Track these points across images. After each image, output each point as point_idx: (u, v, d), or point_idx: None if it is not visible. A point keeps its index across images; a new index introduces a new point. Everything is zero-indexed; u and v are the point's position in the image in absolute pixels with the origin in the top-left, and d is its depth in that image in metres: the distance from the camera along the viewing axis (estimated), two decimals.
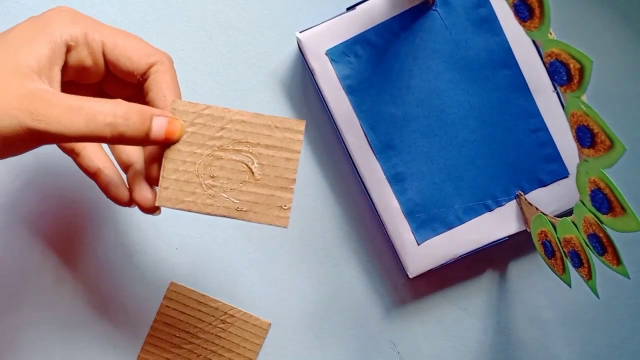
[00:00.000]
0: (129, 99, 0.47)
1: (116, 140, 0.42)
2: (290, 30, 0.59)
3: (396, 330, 0.60)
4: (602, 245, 0.43)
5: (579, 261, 0.47)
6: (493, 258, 0.60)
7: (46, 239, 0.59)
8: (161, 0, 0.58)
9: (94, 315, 0.59)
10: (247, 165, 0.46)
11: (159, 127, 0.44)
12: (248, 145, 0.46)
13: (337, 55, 0.55)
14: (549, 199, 0.57)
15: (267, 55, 0.59)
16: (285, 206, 0.46)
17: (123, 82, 0.47)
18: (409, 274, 0.57)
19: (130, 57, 0.45)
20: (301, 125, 0.47)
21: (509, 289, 0.60)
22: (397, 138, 0.56)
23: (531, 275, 0.60)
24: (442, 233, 0.57)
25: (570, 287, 0.51)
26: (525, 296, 0.60)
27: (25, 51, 0.42)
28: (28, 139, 0.41)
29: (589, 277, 0.46)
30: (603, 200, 0.40)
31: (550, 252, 0.52)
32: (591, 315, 0.61)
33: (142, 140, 0.43)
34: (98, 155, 0.49)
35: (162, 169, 0.46)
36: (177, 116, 0.45)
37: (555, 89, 0.55)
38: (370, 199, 0.57)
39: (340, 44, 0.56)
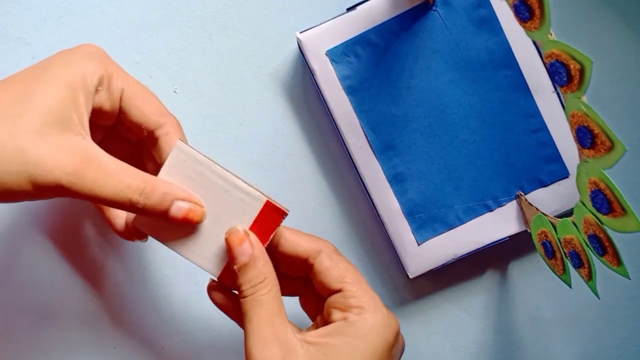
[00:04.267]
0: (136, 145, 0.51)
1: (134, 211, 0.44)
2: (290, 30, 0.59)
3: None
4: (602, 246, 0.43)
5: (579, 261, 0.47)
6: (493, 258, 0.60)
7: (47, 239, 0.59)
8: (161, 0, 0.58)
9: (94, 314, 0.59)
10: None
11: (177, 210, 0.45)
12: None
13: (337, 55, 0.55)
14: (549, 199, 0.57)
15: (267, 55, 0.59)
16: None
17: (133, 131, 0.49)
18: (409, 274, 0.57)
19: (143, 110, 0.47)
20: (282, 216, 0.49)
21: (509, 289, 0.61)
22: (397, 138, 0.56)
23: (531, 276, 0.60)
24: (442, 233, 0.57)
25: (570, 287, 0.51)
26: (525, 296, 0.60)
27: (66, 99, 0.42)
28: (56, 192, 0.42)
29: (589, 277, 0.46)
30: (603, 201, 0.40)
31: (550, 252, 0.52)
32: (591, 316, 0.61)
33: (160, 216, 0.45)
34: None
35: None
36: (179, 156, 0.47)
37: (555, 89, 0.55)
38: (370, 199, 0.57)
39: (340, 44, 0.56)
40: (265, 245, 0.48)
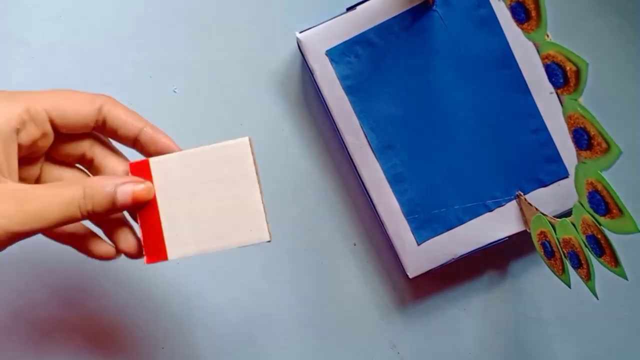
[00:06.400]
0: (82, 157, 0.48)
1: (87, 217, 0.44)
2: (290, 30, 0.59)
3: (396, 330, 0.60)
4: (600, 247, 0.43)
5: (578, 262, 0.47)
6: (493, 258, 0.60)
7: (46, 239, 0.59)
8: (161, 0, 0.58)
9: (93, 314, 0.59)
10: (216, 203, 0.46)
11: (123, 195, 0.44)
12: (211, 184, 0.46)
13: (337, 55, 0.55)
14: (549, 199, 0.56)
15: (267, 55, 0.59)
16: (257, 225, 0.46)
17: (71, 142, 0.47)
18: (408, 274, 0.57)
19: (77, 110, 0.45)
20: (245, 147, 0.46)
21: (508, 289, 0.60)
22: (397, 138, 0.56)
23: (530, 276, 0.60)
24: (441, 233, 0.57)
25: (570, 287, 0.51)
26: (524, 296, 0.60)
27: None
28: (8, 241, 0.41)
29: (588, 277, 0.46)
30: (600, 202, 0.40)
31: (549, 253, 0.52)
32: (590, 316, 0.61)
33: (112, 209, 0.44)
34: None
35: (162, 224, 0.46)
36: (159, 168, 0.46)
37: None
38: (370, 199, 0.57)
39: (340, 44, 0.56)
40: None
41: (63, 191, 0.43)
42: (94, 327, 0.59)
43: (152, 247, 0.47)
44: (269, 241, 0.47)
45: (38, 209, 0.41)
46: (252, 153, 0.46)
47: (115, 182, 0.44)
